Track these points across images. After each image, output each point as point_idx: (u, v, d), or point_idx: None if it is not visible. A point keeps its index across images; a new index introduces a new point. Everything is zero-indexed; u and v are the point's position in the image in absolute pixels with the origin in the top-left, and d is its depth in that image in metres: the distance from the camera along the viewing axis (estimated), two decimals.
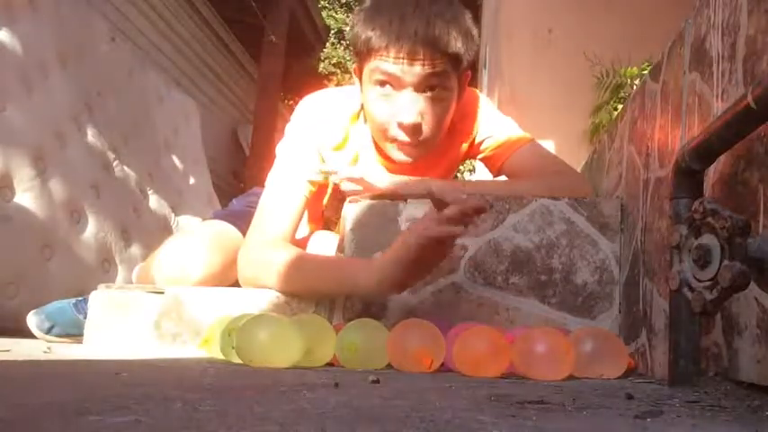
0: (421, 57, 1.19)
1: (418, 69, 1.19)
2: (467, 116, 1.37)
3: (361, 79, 1.28)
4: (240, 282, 1.27)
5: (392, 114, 1.23)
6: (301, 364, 0.94)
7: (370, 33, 1.21)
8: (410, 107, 1.21)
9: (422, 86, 1.21)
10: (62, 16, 2.30)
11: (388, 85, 1.22)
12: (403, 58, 1.19)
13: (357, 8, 1.31)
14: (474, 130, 1.38)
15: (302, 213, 1.31)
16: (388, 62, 1.20)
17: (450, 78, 1.24)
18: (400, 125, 1.22)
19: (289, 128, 1.36)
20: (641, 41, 2.66)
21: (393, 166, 1.32)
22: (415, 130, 1.22)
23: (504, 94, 3.59)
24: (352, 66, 1.39)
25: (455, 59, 1.23)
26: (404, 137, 1.23)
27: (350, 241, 1.20)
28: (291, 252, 1.21)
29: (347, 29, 10.96)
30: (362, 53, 1.24)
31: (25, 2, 2.09)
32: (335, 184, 1.31)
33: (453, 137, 1.36)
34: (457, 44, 1.21)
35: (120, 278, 2.21)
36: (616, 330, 1.12)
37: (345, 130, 1.34)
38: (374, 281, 1.09)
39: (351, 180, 1.25)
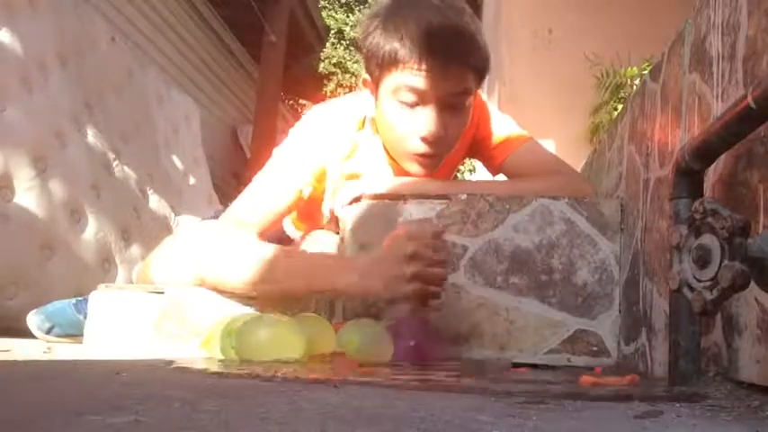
0: (453, 72, 1.16)
1: (448, 86, 1.16)
2: (472, 120, 1.35)
3: (376, 89, 1.23)
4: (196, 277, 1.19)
5: (414, 128, 1.19)
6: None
7: (396, 45, 1.15)
8: (435, 122, 1.18)
9: (447, 102, 1.18)
10: (62, 16, 2.30)
11: (412, 99, 1.18)
12: (435, 73, 1.15)
13: (369, 13, 1.25)
14: (478, 132, 1.37)
15: (282, 215, 1.29)
16: (418, 77, 1.15)
17: (472, 93, 1.22)
18: (424, 139, 1.19)
19: (292, 133, 1.33)
20: (641, 41, 2.66)
21: (405, 173, 1.30)
22: (438, 143, 1.20)
23: (504, 94, 3.59)
24: (357, 70, 1.34)
25: (481, 74, 1.22)
26: (425, 149, 1.21)
27: (350, 241, 1.20)
28: (256, 241, 1.18)
29: (348, 31, 10.95)
30: (384, 64, 1.18)
31: (25, 2, 2.09)
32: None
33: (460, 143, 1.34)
34: (483, 58, 1.20)
35: (120, 278, 2.21)
36: (616, 330, 1.12)
37: (353, 141, 1.31)
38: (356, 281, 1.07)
39: (352, 201, 1.22)
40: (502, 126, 1.39)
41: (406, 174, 1.28)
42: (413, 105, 1.18)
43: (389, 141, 1.26)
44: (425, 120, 1.18)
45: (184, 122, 3.33)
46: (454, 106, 1.20)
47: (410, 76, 1.16)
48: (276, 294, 1.15)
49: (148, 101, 2.93)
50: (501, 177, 1.40)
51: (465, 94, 1.20)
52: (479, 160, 1.44)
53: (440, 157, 1.24)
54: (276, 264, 1.13)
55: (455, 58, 1.15)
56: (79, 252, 2.05)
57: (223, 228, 1.23)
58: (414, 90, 1.16)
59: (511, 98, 3.51)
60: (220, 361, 1.00)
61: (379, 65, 1.19)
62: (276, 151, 1.33)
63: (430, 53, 1.13)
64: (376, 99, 1.25)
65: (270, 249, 1.15)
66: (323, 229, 1.43)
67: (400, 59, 1.15)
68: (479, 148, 1.39)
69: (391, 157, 1.31)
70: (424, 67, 1.14)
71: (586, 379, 0.78)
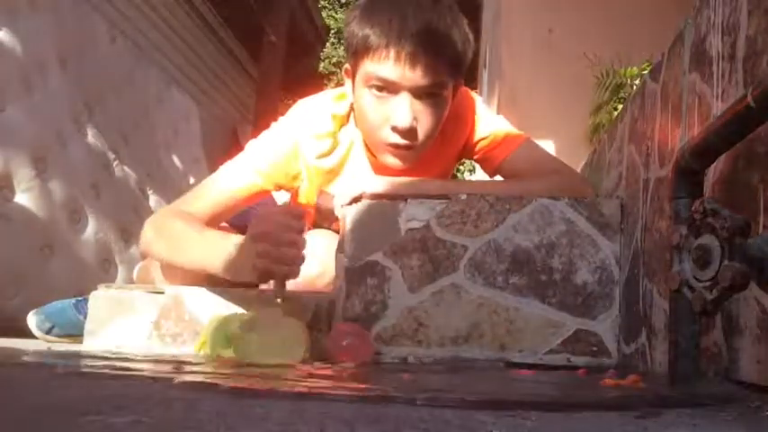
0: (422, 62, 1.15)
1: (418, 75, 1.16)
2: (462, 120, 1.34)
3: (353, 79, 1.24)
4: (140, 248, 1.34)
5: (386, 117, 1.19)
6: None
7: (367, 31, 1.16)
8: (405, 110, 1.17)
9: (419, 92, 1.18)
10: (62, 16, 2.30)
11: (382, 89, 1.18)
12: (403, 62, 1.14)
13: (352, 6, 1.26)
14: (472, 134, 1.37)
15: (234, 205, 1.29)
16: (387, 65, 1.15)
17: (448, 85, 1.22)
18: (394, 129, 1.19)
19: (271, 127, 1.34)
20: (641, 41, 2.66)
21: (385, 168, 1.29)
22: (410, 133, 1.19)
23: (504, 94, 3.60)
24: (344, 65, 1.33)
25: (455, 67, 1.20)
26: (397, 139, 1.20)
27: (350, 241, 1.20)
28: (188, 222, 1.23)
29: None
30: (358, 52, 1.19)
31: (25, 2, 2.09)
32: (319, 205, 1.31)
33: (447, 140, 1.33)
34: (458, 50, 1.19)
35: (120, 278, 2.21)
36: (616, 330, 1.12)
37: (333, 136, 1.31)
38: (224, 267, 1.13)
39: (352, 201, 1.21)
40: (497, 127, 1.38)
41: (386, 169, 1.27)
42: (383, 95, 1.19)
43: (365, 132, 1.27)
44: (395, 110, 1.18)
45: (184, 122, 3.33)
46: (427, 98, 1.19)
47: (379, 66, 1.16)
48: (188, 273, 1.22)
49: (148, 101, 2.93)
50: (499, 179, 1.40)
51: (437, 87, 1.19)
52: (476, 162, 1.42)
53: (414, 149, 1.23)
54: (186, 243, 1.20)
55: (424, 50, 1.15)
56: (79, 252, 2.06)
57: (164, 213, 1.31)
58: (383, 80, 1.17)
59: (511, 98, 3.51)
60: (219, 361, 1.00)
61: (354, 53, 1.21)
62: (249, 144, 1.34)
63: (398, 43, 1.14)
64: (354, 88, 1.25)
65: (186, 228, 1.22)
66: (320, 228, 1.42)
67: (370, 47, 1.16)
68: (475, 149, 1.38)
69: (371, 153, 1.31)
70: (392, 56, 1.15)
71: (607, 382, 0.78)
